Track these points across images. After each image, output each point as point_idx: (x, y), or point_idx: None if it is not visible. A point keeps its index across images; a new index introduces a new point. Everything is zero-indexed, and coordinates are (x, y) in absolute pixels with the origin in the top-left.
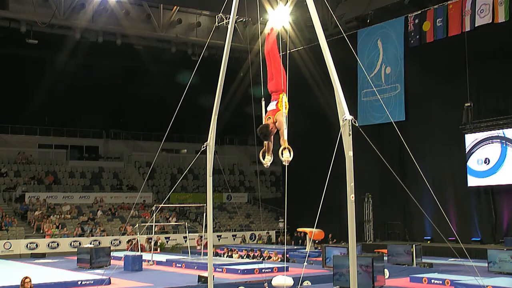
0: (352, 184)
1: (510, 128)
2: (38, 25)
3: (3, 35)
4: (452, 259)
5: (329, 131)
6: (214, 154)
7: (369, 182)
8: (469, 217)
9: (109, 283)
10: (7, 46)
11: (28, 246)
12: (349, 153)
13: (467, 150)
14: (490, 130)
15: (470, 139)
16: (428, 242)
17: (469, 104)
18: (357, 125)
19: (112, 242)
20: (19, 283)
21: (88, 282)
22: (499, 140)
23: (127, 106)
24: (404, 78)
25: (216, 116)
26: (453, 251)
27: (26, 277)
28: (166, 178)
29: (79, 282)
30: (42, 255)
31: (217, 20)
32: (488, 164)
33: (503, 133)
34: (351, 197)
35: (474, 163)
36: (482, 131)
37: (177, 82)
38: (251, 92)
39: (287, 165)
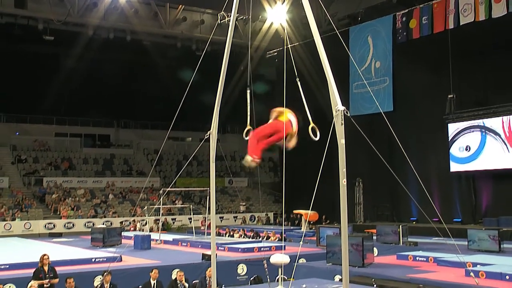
0: (344, 169)
1: (490, 118)
2: (54, 23)
3: (22, 32)
4: (435, 238)
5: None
6: (217, 142)
7: (360, 167)
8: (451, 200)
9: (121, 260)
10: (25, 42)
11: (46, 226)
12: (341, 141)
13: (449, 138)
14: (471, 120)
15: (453, 128)
16: (414, 222)
17: (452, 96)
18: (349, 115)
19: (123, 223)
20: (38, 260)
21: (101, 259)
22: (479, 129)
23: (136, 97)
24: (392, 72)
25: (219, 107)
26: (436, 231)
27: (45, 255)
28: (172, 164)
29: (93, 259)
30: (59, 235)
31: (219, 18)
32: (469, 151)
33: (483, 123)
34: (343, 181)
35: (456, 150)
36: (464, 121)
37: (182, 75)
38: (251, 85)
39: (285, 152)
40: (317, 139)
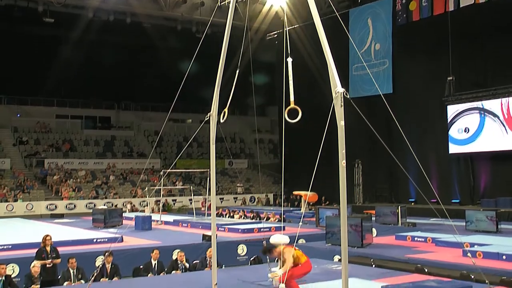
0: (344, 151)
1: (489, 100)
2: (54, 5)
3: (22, 14)
4: (433, 219)
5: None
6: (217, 123)
7: (359, 149)
8: (449, 181)
9: (122, 240)
10: (25, 24)
11: (48, 207)
12: (341, 123)
13: (448, 120)
14: (470, 102)
15: (452, 110)
16: (412, 203)
17: (451, 78)
18: (348, 97)
19: (124, 204)
20: (40, 240)
21: (102, 240)
22: (478, 111)
23: (136, 79)
24: (392, 54)
25: (219, 89)
26: (434, 212)
27: (47, 235)
28: (172, 146)
29: (95, 240)
30: (61, 216)
31: (219, 0)
32: (467, 133)
33: (482, 105)
34: (342, 163)
35: (455, 132)
36: (463, 103)
37: (182, 57)
38: (250, 68)
39: (284, 134)
40: (294, 121)
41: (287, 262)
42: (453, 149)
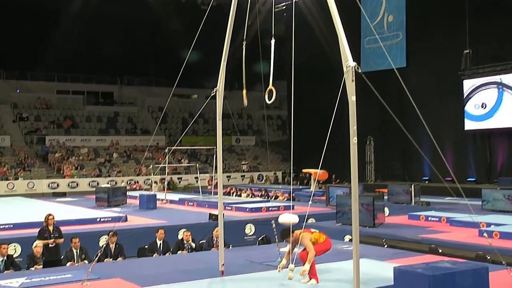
0: (355, 127)
1: (507, 74)
2: None
3: None
4: (448, 198)
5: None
6: (223, 99)
7: (371, 125)
8: (465, 159)
9: (126, 220)
10: None
11: (50, 185)
12: (352, 98)
13: (464, 95)
14: (488, 76)
15: (468, 84)
16: (426, 182)
17: (468, 51)
18: (360, 71)
19: (128, 182)
20: (43, 220)
21: (106, 219)
22: (495, 86)
23: (140, 53)
24: (406, 26)
25: (225, 63)
26: (449, 190)
27: (50, 214)
28: (177, 122)
29: (98, 219)
30: (63, 194)
31: None
32: (484, 108)
33: (500, 79)
34: (353, 139)
35: (471, 107)
36: (480, 77)
37: (187, 30)
38: (259, 40)
39: (293, 110)
40: (269, 102)
41: (311, 252)
42: (469, 125)
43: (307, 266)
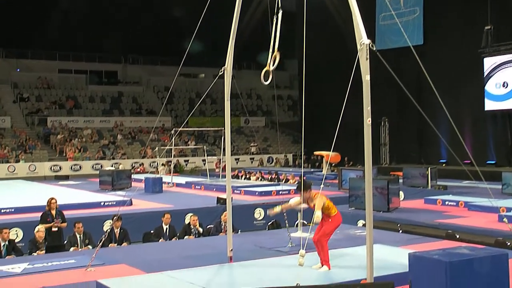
0: (369, 108)
1: None
2: None
3: None
4: (466, 182)
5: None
6: (232, 78)
7: (386, 106)
8: (484, 141)
9: (131, 204)
10: None
11: (52, 168)
12: (366, 77)
13: (485, 74)
14: (510, 54)
15: (489, 62)
16: (443, 165)
17: (489, 27)
18: (374, 49)
19: (133, 165)
20: (45, 203)
21: (110, 203)
22: None
23: (145, 31)
24: (423, 1)
25: (234, 41)
26: (468, 173)
27: (52, 198)
28: (184, 103)
29: (102, 203)
30: (66, 177)
31: None
32: (506, 87)
33: None
34: (367, 120)
35: (492, 87)
36: (501, 55)
37: (194, 6)
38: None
39: (305, 90)
40: (266, 83)
41: (319, 204)
42: (490, 105)
43: (318, 213)
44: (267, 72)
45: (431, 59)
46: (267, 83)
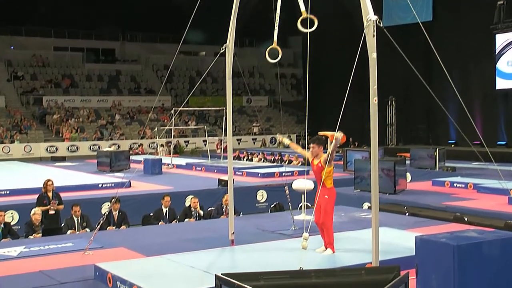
0: (375, 86)
1: None
2: None
3: None
4: (476, 163)
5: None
6: (234, 56)
7: (393, 85)
8: (495, 121)
9: (130, 186)
10: None
11: (48, 149)
12: (372, 55)
13: (497, 52)
14: None
15: (501, 39)
16: (452, 146)
17: (501, 2)
18: (381, 25)
19: (132, 146)
20: (41, 185)
21: (108, 185)
22: None
23: (143, 7)
24: None
25: (236, 17)
26: (477, 154)
27: (49, 180)
28: (184, 81)
29: (100, 185)
30: (62, 159)
31: None
32: None
33: None
34: (374, 100)
35: (503, 64)
36: None
37: None
38: None
39: (309, 68)
40: (273, 61)
41: (332, 148)
42: (501, 84)
43: (337, 137)
44: (272, 50)
45: (440, 36)
46: (274, 61)
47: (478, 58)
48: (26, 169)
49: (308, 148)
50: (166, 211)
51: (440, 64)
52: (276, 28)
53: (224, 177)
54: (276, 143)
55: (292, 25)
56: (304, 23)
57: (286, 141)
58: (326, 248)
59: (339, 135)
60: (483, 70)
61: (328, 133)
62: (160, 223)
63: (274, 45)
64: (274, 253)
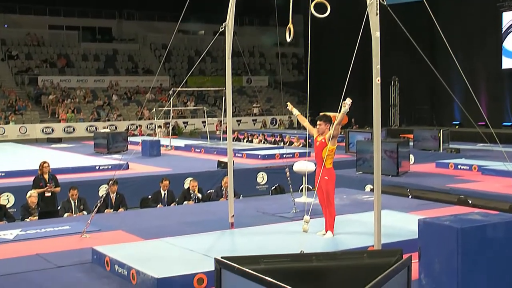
0: (378, 66)
1: None
2: None
3: None
4: (480, 145)
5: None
6: (233, 35)
7: (396, 65)
8: (501, 101)
9: (127, 168)
10: None
11: (44, 130)
12: (375, 34)
13: (503, 30)
14: None
15: (508, 17)
16: (456, 127)
17: None
18: (385, 3)
19: (129, 127)
20: (37, 168)
21: (106, 167)
22: None
23: None
24: None
25: None
26: (482, 136)
27: (45, 162)
28: (183, 61)
29: (97, 167)
30: (58, 140)
31: None
32: None
33: None
34: (376, 80)
35: (510, 43)
36: None
37: None
38: None
39: (310, 47)
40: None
41: (341, 115)
42: (507, 63)
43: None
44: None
45: (445, 14)
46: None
47: (484, 37)
48: (22, 150)
49: (315, 125)
50: (165, 193)
51: (444, 43)
52: (291, 5)
53: (223, 159)
54: (278, 124)
55: (294, 4)
56: (318, 7)
57: (295, 111)
58: (327, 231)
59: (347, 101)
60: (489, 49)
61: (330, 114)
62: (158, 205)
63: (290, 24)
64: (274, 236)
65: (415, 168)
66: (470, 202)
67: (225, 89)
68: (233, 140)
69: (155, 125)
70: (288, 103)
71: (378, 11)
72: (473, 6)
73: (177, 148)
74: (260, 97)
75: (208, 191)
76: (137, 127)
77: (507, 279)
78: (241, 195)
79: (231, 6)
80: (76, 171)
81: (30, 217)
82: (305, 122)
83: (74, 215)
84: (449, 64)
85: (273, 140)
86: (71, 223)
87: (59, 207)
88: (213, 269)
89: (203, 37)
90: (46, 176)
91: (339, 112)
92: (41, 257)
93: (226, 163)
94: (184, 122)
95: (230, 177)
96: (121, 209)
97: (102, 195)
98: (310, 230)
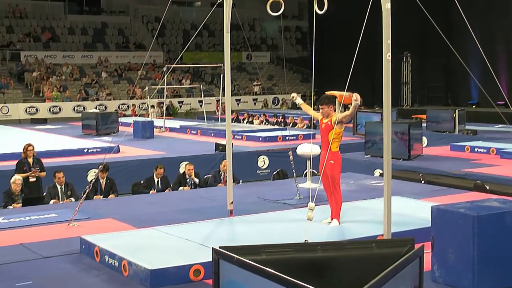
0: (389, 41)
1: None
2: None
3: None
4: (499, 126)
5: None
6: (232, 7)
7: (408, 39)
8: None
9: (118, 151)
10: None
11: (28, 110)
12: (386, 6)
13: None
14: None
15: None
16: (474, 107)
17: None
18: None
19: (120, 107)
20: (21, 151)
21: (95, 150)
22: None
23: None
24: None
25: None
26: (501, 116)
27: (29, 145)
28: (178, 35)
29: (86, 150)
30: (43, 121)
31: None
32: None
33: None
34: (387, 56)
35: None
36: None
37: None
38: None
39: (315, 20)
40: (275, 14)
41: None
42: None
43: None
44: (274, 2)
45: None
46: (276, 14)
47: (504, 10)
48: (4, 132)
49: (318, 110)
50: (158, 180)
51: (461, 16)
52: None
53: (222, 141)
54: (280, 104)
55: None
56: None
57: (299, 100)
58: (332, 219)
59: (357, 97)
60: (509, 23)
61: (336, 93)
62: (151, 191)
63: None
64: (276, 225)
65: (428, 151)
66: (487, 188)
67: (223, 65)
68: (232, 121)
69: (147, 105)
70: (294, 94)
71: None
72: None
73: (171, 129)
74: (261, 75)
75: (205, 176)
76: (128, 106)
77: None
78: (241, 180)
79: None
80: (62, 154)
81: (13, 204)
82: (310, 110)
83: (61, 202)
84: (466, 38)
85: (275, 121)
86: (58, 210)
87: (44, 193)
88: (211, 259)
89: (199, 9)
90: (30, 160)
91: (347, 104)
92: (26, 247)
93: (225, 145)
94: (179, 102)
95: (229, 161)
96: (111, 196)
97: (91, 180)
98: (315, 218)
